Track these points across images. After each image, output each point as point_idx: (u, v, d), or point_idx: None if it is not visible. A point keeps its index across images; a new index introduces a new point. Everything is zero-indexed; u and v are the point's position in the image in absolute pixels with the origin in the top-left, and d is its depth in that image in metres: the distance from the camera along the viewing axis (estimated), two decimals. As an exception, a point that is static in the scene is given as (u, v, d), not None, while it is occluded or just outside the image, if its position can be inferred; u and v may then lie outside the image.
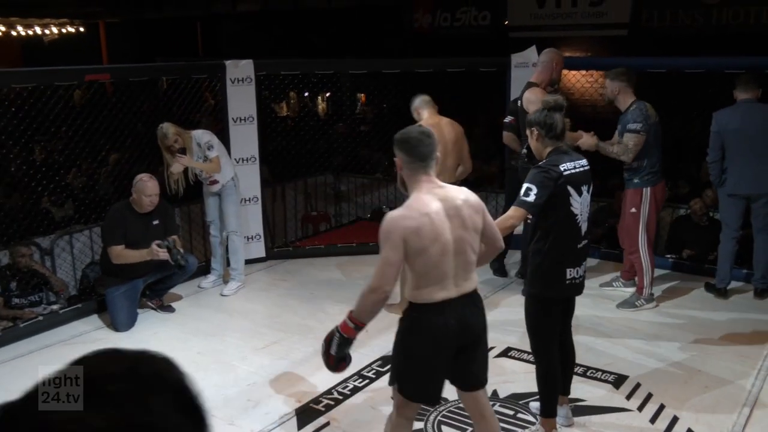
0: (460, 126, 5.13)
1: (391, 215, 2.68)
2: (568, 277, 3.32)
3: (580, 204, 3.30)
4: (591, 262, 6.15)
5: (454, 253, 2.71)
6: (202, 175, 5.59)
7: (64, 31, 17.11)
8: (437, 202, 2.70)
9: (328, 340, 2.82)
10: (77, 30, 17.25)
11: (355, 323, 2.72)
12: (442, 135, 4.80)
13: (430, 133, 2.77)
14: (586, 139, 4.98)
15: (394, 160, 2.85)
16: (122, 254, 4.92)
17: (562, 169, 3.23)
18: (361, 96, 12.79)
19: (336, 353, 2.80)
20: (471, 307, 2.80)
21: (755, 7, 8.96)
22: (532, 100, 4.94)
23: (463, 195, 2.79)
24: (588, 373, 4.19)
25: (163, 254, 4.91)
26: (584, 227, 3.35)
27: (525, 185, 3.23)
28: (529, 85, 5.19)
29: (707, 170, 5.61)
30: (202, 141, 5.45)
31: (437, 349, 2.75)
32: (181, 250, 5.08)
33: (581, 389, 3.94)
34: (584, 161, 3.38)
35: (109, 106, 5.87)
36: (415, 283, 2.73)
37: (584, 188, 3.32)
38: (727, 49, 7.39)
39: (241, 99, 6.10)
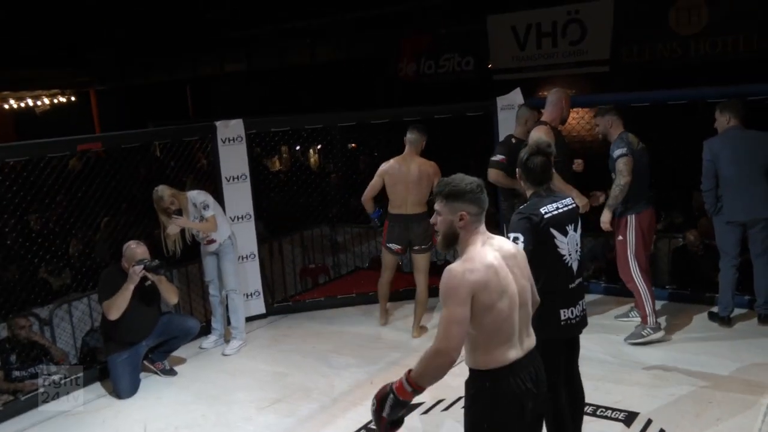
0: (433, 167, 5.59)
1: (454, 269, 2.48)
2: (563, 318, 3.30)
3: (567, 244, 3.29)
4: (593, 297, 6.16)
5: (520, 306, 2.57)
6: (199, 236, 5.59)
7: (55, 101, 17.35)
8: (495, 252, 2.56)
9: (380, 399, 2.55)
10: (68, 99, 17.50)
11: (414, 387, 2.46)
12: (408, 171, 5.57)
13: (481, 182, 2.60)
14: (584, 204, 4.87)
15: (436, 217, 2.61)
16: (111, 303, 4.87)
17: (543, 212, 3.23)
18: (352, 145, 12.91)
19: (388, 415, 2.52)
20: (538, 365, 2.66)
21: (732, 36, 9.15)
22: (537, 138, 5.01)
23: (512, 245, 2.70)
24: (598, 412, 4.13)
25: (138, 270, 4.86)
26: (576, 266, 3.33)
27: (511, 235, 3.20)
28: (539, 123, 5.29)
29: (699, 199, 5.64)
30: (198, 201, 5.47)
31: (523, 416, 2.55)
32: (156, 261, 5.00)
33: (591, 429, 3.87)
34: (568, 200, 3.38)
35: (103, 173, 5.89)
36: (484, 345, 2.51)
37: (570, 227, 3.31)
38: (709, 79, 7.51)
39: (233, 158, 6.13)
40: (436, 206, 2.61)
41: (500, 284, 2.50)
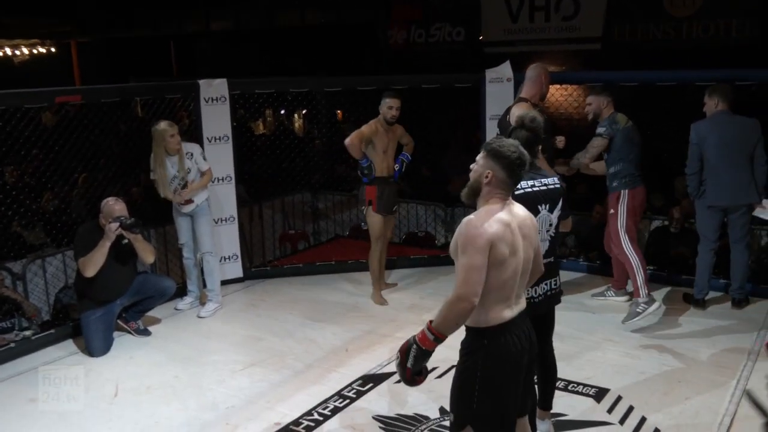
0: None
1: (474, 219, 2.58)
2: (526, 296, 3.32)
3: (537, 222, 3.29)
4: (573, 275, 6.23)
5: (522, 272, 2.67)
6: (183, 195, 5.50)
7: (35, 51, 17.00)
8: (512, 216, 2.66)
9: (403, 352, 2.63)
10: (49, 50, 17.15)
11: (436, 335, 2.54)
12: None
13: (527, 160, 2.67)
14: (558, 168, 5.07)
15: (473, 165, 2.71)
16: (87, 260, 4.86)
17: None
18: (339, 113, 12.84)
19: (413, 366, 2.60)
20: (528, 323, 2.76)
21: (724, 20, 9.16)
22: (516, 116, 5.00)
23: (529, 215, 2.77)
24: (569, 387, 4.21)
25: (114, 227, 4.85)
26: (544, 246, 3.31)
27: None
28: (519, 100, 5.27)
29: (681, 185, 5.70)
30: (196, 151, 5.54)
31: (517, 374, 2.65)
32: (133, 219, 4.97)
33: (562, 403, 3.95)
34: (550, 179, 3.38)
35: (81, 127, 5.81)
36: (485, 301, 2.58)
37: (543, 207, 3.30)
38: (699, 62, 7.53)
39: (216, 118, 6.09)
40: (478, 156, 2.71)
41: (514, 242, 2.61)
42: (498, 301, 2.62)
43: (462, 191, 2.77)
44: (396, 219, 6.40)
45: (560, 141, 5.42)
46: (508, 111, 5.39)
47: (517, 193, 3.21)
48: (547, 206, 3.33)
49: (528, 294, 3.29)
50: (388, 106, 5.57)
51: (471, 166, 2.74)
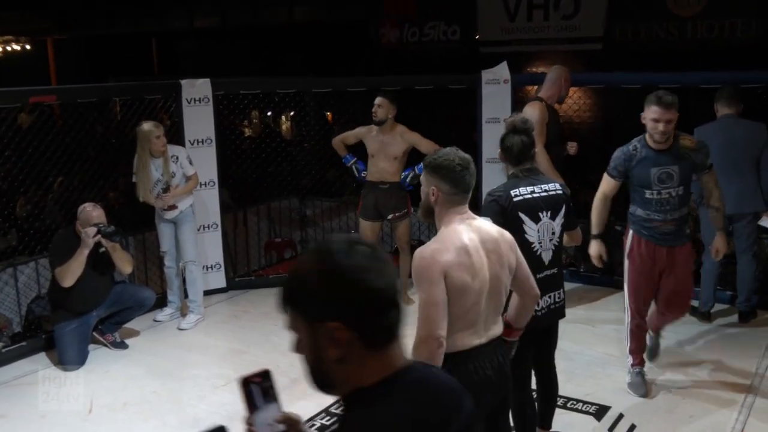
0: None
1: (422, 251, 2.52)
2: None
3: (538, 232, 3.27)
4: (572, 286, 6.21)
5: (489, 294, 2.57)
6: (165, 199, 5.47)
7: (8, 48, 16.91)
8: (472, 233, 2.57)
9: None
10: (23, 48, 17.05)
11: None
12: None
13: (470, 160, 2.63)
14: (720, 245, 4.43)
15: (422, 183, 2.67)
16: (64, 269, 4.82)
17: (512, 194, 3.23)
18: (328, 115, 12.83)
19: None
20: (502, 353, 2.68)
21: (730, 20, 9.20)
22: (528, 115, 5.00)
23: (496, 229, 2.68)
24: (569, 404, 4.19)
25: (91, 233, 4.80)
26: (547, 256, 3.32)
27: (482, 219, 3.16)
28: (535, 99, 5.28)
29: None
30: (182, 155, 5.53)
31: (477, 405, 2.57)
32: (112, 227, 4.95)
33: (561, 421, 3.93)
34: (551, 185, 3.36)
35: (56, 129, 5.78)
36: (447, 328, 2.51)
37: (544, 214, 3.28)
38: (704, 64, 7.56)
39: (199, 120, 6.07)
40: (421, 176, 2.70)
41: (473, 266, 2.51)
42: (462, 329, 2.54)
43: (419, 213, 2.76)
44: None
45: (572, 147, 5.43)
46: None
47: (516, 199, 3.20)
48: (549, 213, 3.30)
49: None
50: (374, 105, 5.65)
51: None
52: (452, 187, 2.57)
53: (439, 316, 2.43)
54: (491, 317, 2.63)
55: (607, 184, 4.19)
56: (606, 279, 6.16)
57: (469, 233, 2.57)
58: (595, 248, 4.25)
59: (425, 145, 5.55)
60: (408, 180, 5.69)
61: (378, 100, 5.61)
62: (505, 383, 2.70)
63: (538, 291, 2.84)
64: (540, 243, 3.29)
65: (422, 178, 2.66)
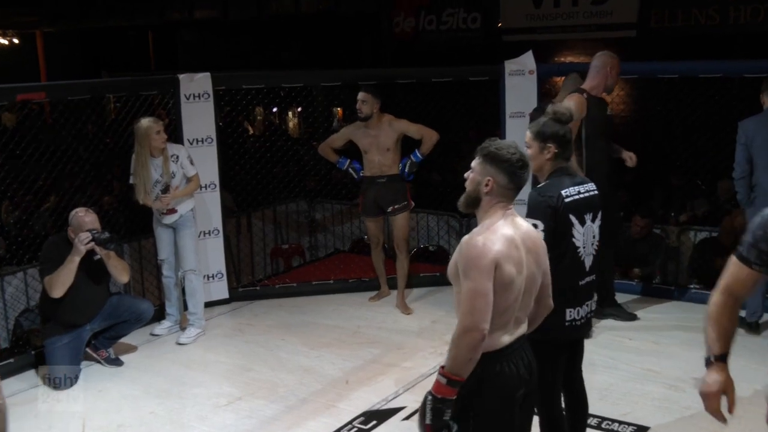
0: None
1: (473, 239, 2.58)
2: (568, 318, 3.29)
3: (583, 235, 3.28)
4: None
5: (524, 292, 2.66)
6: (164, 200, 5.49)
7: (-5, 43, 17.09)
8: (514, 228, 2.66)
9: (420, 410, 2.59)
10: (10, 42, 17.22)
11: (450, 378, 2.50)
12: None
13: (529, 159, 2.74)
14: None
15: (469, 173, 2.72)
16: (54, 278, 4.83)
17: (564, 194, 3.22)
18: (338, 111, 12.85)
19: (432, 422, 2.52)
20: (529, 352, 2.75)
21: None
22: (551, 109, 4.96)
23: (534, 230, 2.77)
24: (603, 425, 4.16)
25: (85, 239, 4.79)
26: (588, 261, 3.33)
27: (530, 220, 3.06)
28: (575, 91, 5.23)
29: (726, 188, 5.63)
30: (182, 154, 5.55)
31: (512, 405, 2.65)
32: (106, 234, 4.95)
33: (596, 444, 3.90)
34: (590, 185, 3.37)
35: (46, 128, 5.82)
36: None
37: (588, 216, 3.29)
38: (748, 51, 7.50)
39: (198, 117, 6.08)
40: (473, 162, 2.72)
41: (521, 261, 2.60)
42: (499, 326, 2.60)
43: (459, 201, 2.79)
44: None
45: (631, 159, 5.35)
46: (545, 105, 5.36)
47: (567, 200, 3.20)
48: (591, 215, 3.32)
49: (570, 316, 3.28)
50: (357, 101, 5.79)
51: (465, 175, 2.75)
52: (509, 181, 2.65)
53: (487, 308, 2.50)
54: (521, 317, 2.71)
55: (737, 274, 2.51)
56: (643, 287, 6.09)
57: (512, 227, 2.65)
58: (714, 379, 2.67)
59: (415, 129, 5.84)
60: (407, 170, 5.86)
61: (361, 96, 5.77)
62: (534, 378, 2.77)
63: (552, 303, 2.91)
64: (584, 247, 3.30)
65: (476, 165, 2.69)
